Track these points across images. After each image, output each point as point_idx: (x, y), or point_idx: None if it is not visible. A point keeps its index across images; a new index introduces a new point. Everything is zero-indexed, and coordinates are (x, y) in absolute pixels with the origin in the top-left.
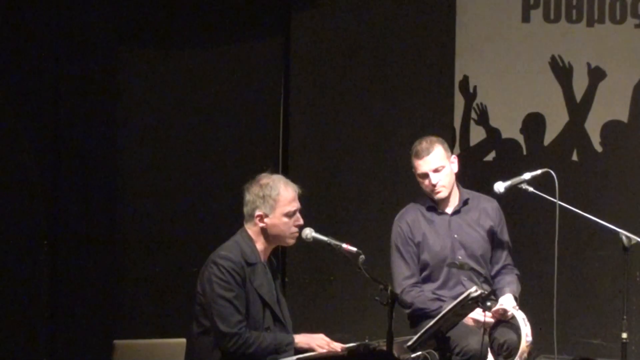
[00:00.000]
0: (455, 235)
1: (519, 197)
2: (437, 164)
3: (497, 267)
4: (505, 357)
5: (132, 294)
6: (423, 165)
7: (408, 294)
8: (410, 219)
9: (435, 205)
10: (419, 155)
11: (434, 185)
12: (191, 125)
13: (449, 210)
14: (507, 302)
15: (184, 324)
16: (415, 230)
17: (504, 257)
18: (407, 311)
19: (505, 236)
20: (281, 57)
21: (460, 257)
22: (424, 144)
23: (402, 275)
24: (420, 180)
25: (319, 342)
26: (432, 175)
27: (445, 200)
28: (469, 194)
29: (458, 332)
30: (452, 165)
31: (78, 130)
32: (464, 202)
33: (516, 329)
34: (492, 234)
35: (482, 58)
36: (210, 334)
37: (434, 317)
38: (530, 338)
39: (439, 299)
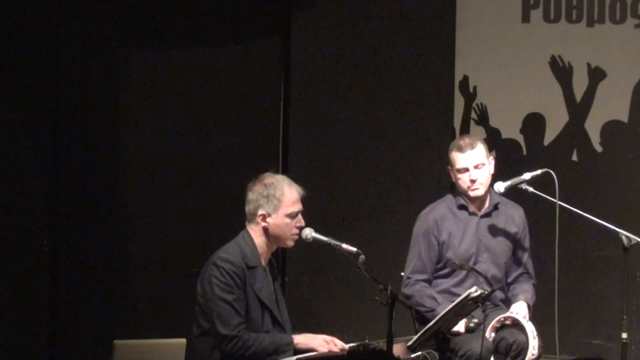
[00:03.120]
0: (482, 238)
1: (519, 197)
2: (479, 160)
3: (515, 274)
4: (513, 358)
5: (132, 294)
6: (464, 159)
7: (411, 286)
8: (439, 216)
9: (466, 205)
10: (461, 149)
11: (473, 182)
12: (191, 126)
13: (480, 212)
14: (520, 310)
15: (184, 324)
16: (442, 228)
17: (522, 264)
18: (406, 299)
19: (527, 245)
20: (281, 57)
21: (482, 260)
22: (467, 139)
23: (412, 268)
24: (457, 175)
25: (320, 342)
26: (472, 171)
27: (479, 200)
28: (499, 198)
29: (463, 334)
30: (490, 165)
31: (78, 130)
32: (495, 206)
33: (524, 331)
34: (515, 241)
35: (482, 58)
36: (210, 336)
37: (428, 317)
38: (536, 352)
39: (435, 300)
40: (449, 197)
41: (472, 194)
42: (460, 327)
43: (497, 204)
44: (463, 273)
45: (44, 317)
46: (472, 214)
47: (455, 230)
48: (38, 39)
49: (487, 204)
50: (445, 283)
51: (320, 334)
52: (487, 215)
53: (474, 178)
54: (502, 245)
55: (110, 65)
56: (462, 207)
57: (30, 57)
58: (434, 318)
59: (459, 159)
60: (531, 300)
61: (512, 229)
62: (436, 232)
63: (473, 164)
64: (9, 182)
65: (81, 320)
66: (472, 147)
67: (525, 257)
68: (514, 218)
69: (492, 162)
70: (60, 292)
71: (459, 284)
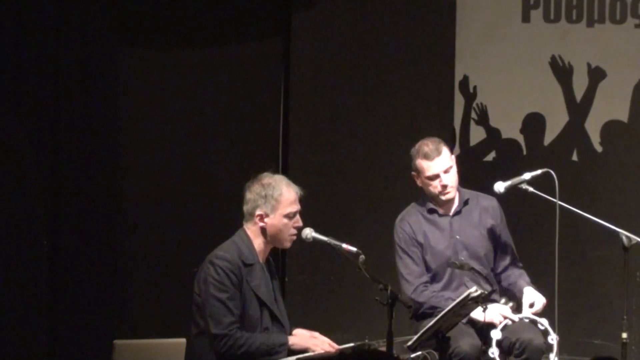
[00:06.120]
0: (457, 237)
1: (519, 197)
2: (447, 165)
3: (503, 264)
4: (517, 356)
5: (132, 294)
6: (434, 166)
7: (422, 293)
8: (412, 220)
9: (436, 208)
10: (429, 157)
11: (445, 187)
12: (191, 125)
13: (450, 211)
14: (536, 299)
15: (184, 324)
16: (417, 232)
17: (508, 254)
18: (416, 307)
19: (507, 233)
20: (281, 57)
21: (462, 258)
22: (430, 145)
23: (413, 274)
24: (427, 182)
25: (314, 341)
26: (443, 176)
27: (448, 201)
28: (468, 193)
29: (453, 333)
30: (454, 164)
31: (78, 130)
32: (465, 203)
33: (527, 328)
34: (493, 233)
35: (482, 58)
36: (207, 335)
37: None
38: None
39: (451, 299)
40: (416, 204)
41: (444, 198)
42: (495, 319)
43: (467, 199)
44: (447, 276)
45: (44, 317)
46: (442, 215)
47: (430, 234)
48: (38, 39)
49: (456, 203)
50: (431, 288)
51: (313, 332)
52: (458, 213)
53: (445, 183)
54: (479, 240)
55: (110, 65)
56: (432, 211)
57: (30, 57)
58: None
59: (428, 167)
60: (529, 282)
61: (488, 221)
62: (414, 236)
63: (442, 169)
64: (9, 183)
65: (81, 320)
66: (439, 152)
67: (509, 246)
68: (487, 210)
69: (454, 158)
70: (60, 292)
71: (445, 286)
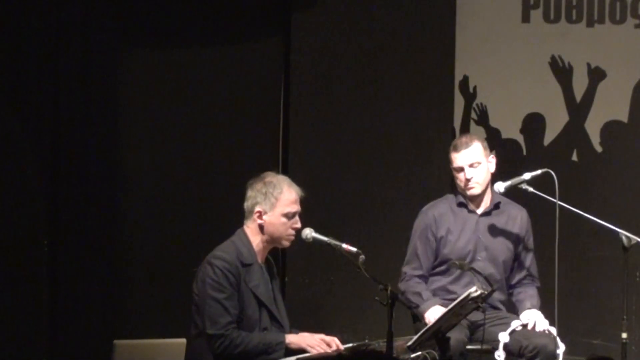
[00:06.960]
0: (480, 236)
1: (519, 197)
2: (474, 159)
3: (518, 277)
4: (530, 359)
5: (132, 294)
6: (459, 158)
7: (406, 282)
8: (437, 213)
9: (466, 203)
10: (456, 149)
11: (468, 180)
12: (191, 126)
13: (479, 210)
14: (539, 318)
15: (184, 324)
16: (441, 225)
17: (526, 267)
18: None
19: (531, 247)
20: (281, 57)
21: (480, 258)
22: (463, 138)
23: (408, 264)
24: (455, 174)
25: (310, 341)
26: (467, 170)
27: (478, 199)
28: (501, 198)
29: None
30: (489, 164)
31: (78, 130)
32: (495, 205)
33: (541, 334)
34: (517, 243)
35: (482, 58)
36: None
37: (413, 312)
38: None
39: (420, 295)
40: (450, 196)
41: (468, 192)
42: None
43: (499, 203)
44: (458, 271)
45: (44, 317)
46: (471, 211)
47: (453, 227)
48: (38, 39)
49: (487, 203)
50: (442, 280)
51: (319, 334)
52: (487, 214)
53: (468, 177)
54: (501, 245)
55: (110, 65)
56: (461, 205)
57: (30, 57)
58: (418, 314)
59: (455, 158)
60: (537, 305)
61: (514, 230)
62: (434, 229)
63: (468, 162)
64: (9, 183)
65: (81, 320)
66: (468, 145)
67: (529, 260)
68: (516, 219)
69: (493, 160)
70: (60, 292)
71: (454, 281)
